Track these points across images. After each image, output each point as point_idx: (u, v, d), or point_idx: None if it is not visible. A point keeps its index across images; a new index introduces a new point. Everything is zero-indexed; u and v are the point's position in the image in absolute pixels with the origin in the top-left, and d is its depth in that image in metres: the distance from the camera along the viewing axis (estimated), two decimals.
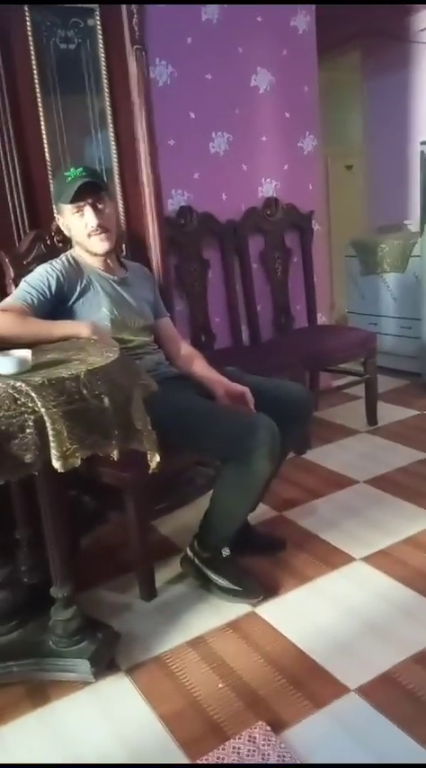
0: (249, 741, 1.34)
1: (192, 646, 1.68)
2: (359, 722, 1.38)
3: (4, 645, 1.66)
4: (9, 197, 2.03)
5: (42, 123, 2.09)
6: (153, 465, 1.43)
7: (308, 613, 1.76)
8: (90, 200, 1.83)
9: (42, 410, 1.23)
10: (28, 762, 1.38)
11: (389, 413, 3.19)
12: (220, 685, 1.52)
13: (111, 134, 2.24)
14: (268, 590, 1.84)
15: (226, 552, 1.86)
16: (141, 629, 1.76)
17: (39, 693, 1.56)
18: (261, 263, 3.15)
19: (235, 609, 1.79)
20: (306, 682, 1.51)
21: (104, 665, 1.61)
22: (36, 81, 2.05)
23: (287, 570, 1.96)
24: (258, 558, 2.01)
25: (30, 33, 2.01)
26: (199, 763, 1.31)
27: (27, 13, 2.00)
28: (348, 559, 1.98)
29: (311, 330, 3.23)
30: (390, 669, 1.51)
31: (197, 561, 1.89)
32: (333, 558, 1.99)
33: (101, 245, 1.87)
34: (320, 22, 3.15)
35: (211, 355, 2.82)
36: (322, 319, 3.39)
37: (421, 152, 3.37)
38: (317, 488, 2.49)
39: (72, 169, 1.84)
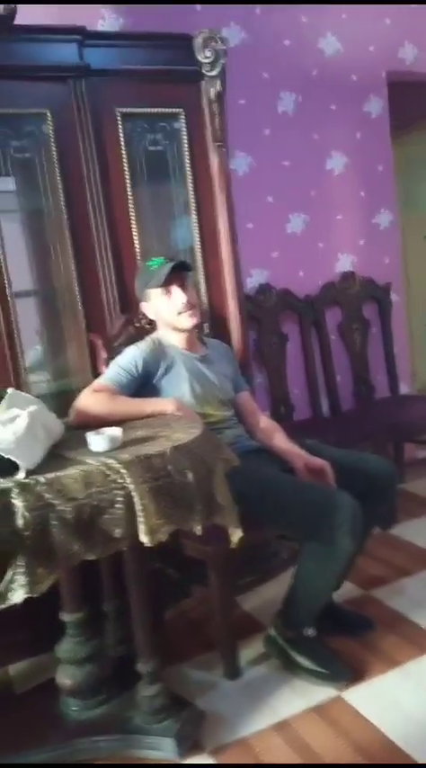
0: None
1: (277, 729, 1.63)
2: None
3: (91, 719, 1.68)
4: (103, 284, 2.20)
5: (132, 216, 2.27)
6: (234, 540, 1.45)
7: (398, 700, 1.67)
8: (177, 282, 1.97)
9: (131, 486, 1.30)
10: None
11: None
12: None
13: (194, 222, 2.40)
14: (355, 673, 1.78)
15: (310, 632, 1.82)
16: (226, 710, 1.73)
17: None
18: (339, 335, 3.18)
19: (321, 692, 1.73)
20: None
21: (189, 744, 1.60)
22: (127, 180, 2.24)
23: (375, 653, 1.88)
24: (344, 638, 1.94)
25: (122, 140, 2.22)
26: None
27: (120, 122, 2.22)
28: None
29: (393, 400, 3.19)
30: None
31: (280, 641, 1.86)
32: (425, 642, 1.90)
33: (189, 320, 1.99)
34: (392, 104, 3.27)
35: (291, 427, 2.84)
36: (404, 389, 3.35)
37: None
38: (405, 566, 2.39)
39: (154, 259, 2.00)
